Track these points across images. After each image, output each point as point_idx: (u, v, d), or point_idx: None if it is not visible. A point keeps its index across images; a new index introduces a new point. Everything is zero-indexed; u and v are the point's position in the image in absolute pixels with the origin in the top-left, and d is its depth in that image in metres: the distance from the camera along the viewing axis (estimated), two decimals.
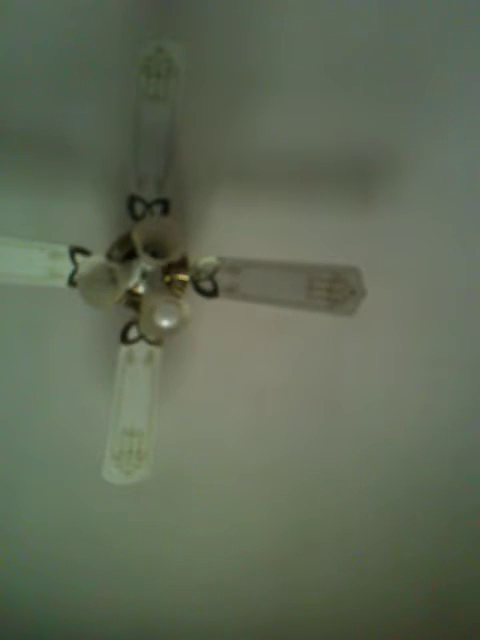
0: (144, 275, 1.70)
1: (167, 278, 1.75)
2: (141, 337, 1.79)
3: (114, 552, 2.54)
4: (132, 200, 1.65)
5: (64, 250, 1.66)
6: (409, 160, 1.90)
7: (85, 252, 1.67)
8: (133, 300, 1.75)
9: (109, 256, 1.70)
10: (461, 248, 2.06)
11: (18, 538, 2.50)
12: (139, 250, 1.56)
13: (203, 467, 2.37)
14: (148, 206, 1.66)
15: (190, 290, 1.75)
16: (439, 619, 2.77)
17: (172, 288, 1.75)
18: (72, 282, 1.68)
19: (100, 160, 1.85)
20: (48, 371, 2.17)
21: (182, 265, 1.75)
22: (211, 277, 1.73)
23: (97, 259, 1.61)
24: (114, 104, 1.78)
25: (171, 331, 1.59)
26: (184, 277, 1.76)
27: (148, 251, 1.58)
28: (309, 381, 2.23)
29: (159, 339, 1.78)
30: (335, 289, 1.72)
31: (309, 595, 2.68)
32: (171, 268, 1.74)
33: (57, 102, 1.78)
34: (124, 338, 1.80)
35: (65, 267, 1.67)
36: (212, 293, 1.75)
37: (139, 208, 1.66)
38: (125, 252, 1.72)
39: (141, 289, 1.73)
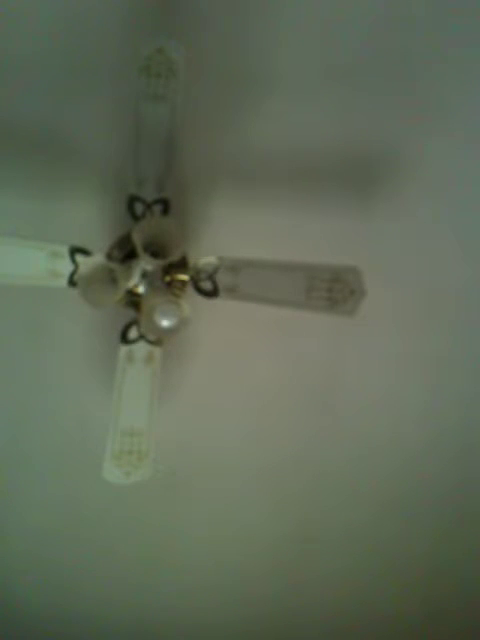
0: (144, 275, 1.70)
1: (167, 278, 1.75)
2: (141, 337, 1.79)
3: (114, 552, 2.54)
4: (132, 200, 1.65)
5: (64, 250, 1.66)
6: (409, 160, 1.90)
7: (85, 252, 1.67)
8: (133, 300, 1.75)
9: (109, 256, 1.70)
10: (461, 248, 2.06)
11: (17, 539, 2.49)
12: (139, 250, 1.56)
13: (203, 467, 2.36)
14: (148, 206, 1.65)
15: (190, 290, 1.75)
16: (440, 619, 2.76)
17: (172, 288, 1.75)
18: (72, 282, 1.68)
19: (100, 160, 1.85)
20: (48, 371, 2.17)
21: (182, 265, 1.75)
22: (211, 277, 1.73)
23: (97, 259, 1.61)
24: (114, 104, 1.78)
25: (171, 331, 1.59)
26: (184, 277, 1.75)
27: (148, 251, 1.58)
28: (309, 381, 2.23)
29: (159, 339, 1.78)
30: (335, 289, 1.72)
31: (310, 596, 2.68)
32: (171, 268, 1.74)
33: (57, 102, 1.78)
34: (124, 338, 1.80)
35: (65, 267, 1.67)
36: (212, 293, 1.75)
37: (139, 208, 1.65)
38: (125, 252, 1.72)
39: (141, 289, 1.73)
